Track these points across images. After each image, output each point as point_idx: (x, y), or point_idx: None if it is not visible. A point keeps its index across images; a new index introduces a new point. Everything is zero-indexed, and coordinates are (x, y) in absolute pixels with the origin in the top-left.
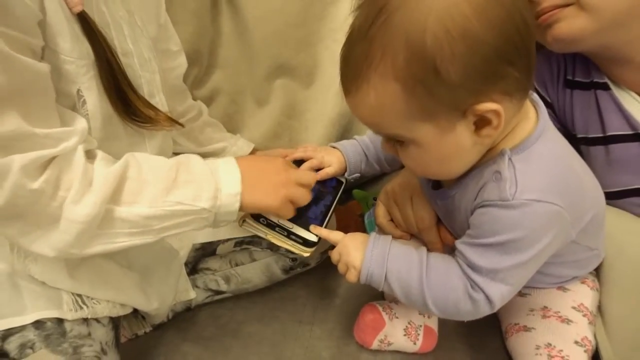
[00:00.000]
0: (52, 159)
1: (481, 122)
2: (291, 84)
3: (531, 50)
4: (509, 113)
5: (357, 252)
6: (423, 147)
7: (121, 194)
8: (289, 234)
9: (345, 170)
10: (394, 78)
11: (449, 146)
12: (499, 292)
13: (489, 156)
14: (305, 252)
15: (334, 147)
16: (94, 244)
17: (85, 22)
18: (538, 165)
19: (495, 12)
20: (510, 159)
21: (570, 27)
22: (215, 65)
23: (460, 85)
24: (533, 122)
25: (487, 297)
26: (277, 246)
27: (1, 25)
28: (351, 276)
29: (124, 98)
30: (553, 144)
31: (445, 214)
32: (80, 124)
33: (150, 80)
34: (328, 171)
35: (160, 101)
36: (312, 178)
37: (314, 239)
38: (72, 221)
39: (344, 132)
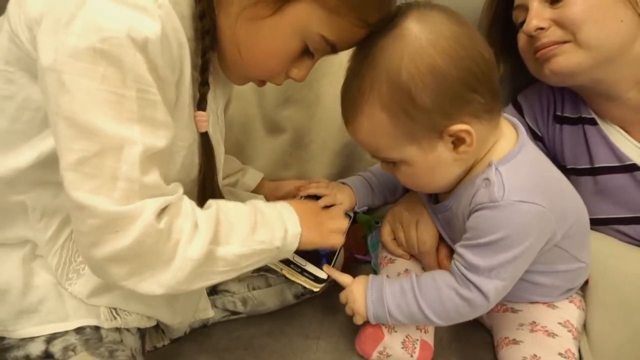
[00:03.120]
0: (167, 205)
1: (457, 141)
2: (297, 115)
3: (492, 78)
4: (481, 132)
5: (361, 299)
6: (412, 165)
7: (219, 235)
8: (302, 271)
9: (355, 205)
10: (381, 108)
11: (433, 163)
12: (494, 287)
13: (478, 169)
14: (315, 288)
15: (344, 184)
16: (198, 280)
17: (206, 136)
18: (521, 172)
19: (455, 50)
20: (496, 168)
21: (567, 62)
22: (230, 98)
23: (433, 110)
24: (513, 139)
25: (483, 294)
26: (292, 281)
27: (164, 105)
28: (357, 320)
29: (211, 191)
30: (532, 155)
31: (446, 225)
32: None
33: (219, 160)
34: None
35: (221, 176)
36: (342, 218)
37: (324, 276)
38: (187, 259)
39: (347, 161)
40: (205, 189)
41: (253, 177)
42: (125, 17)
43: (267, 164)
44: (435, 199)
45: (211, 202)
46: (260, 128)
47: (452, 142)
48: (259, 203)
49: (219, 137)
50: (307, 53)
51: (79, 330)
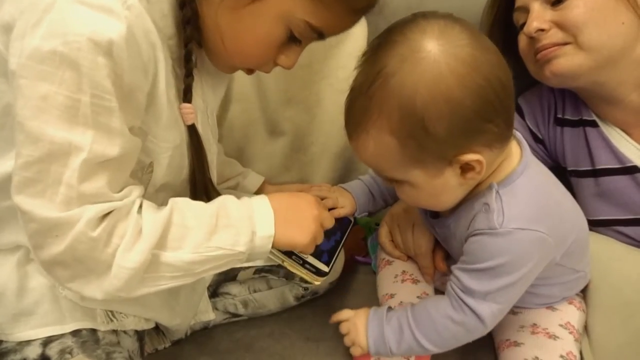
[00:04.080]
0: (112, 211)
1: (466, 168)
2: (298, 117)
3: (509, 108)
4: (491, 160)
5: (363, 334)
6: (416, 187)
7: (167, 240)
8: (304, 263)
9: (356, 211)
10: (390, 132)
11: (438, 187)
12: (490, 311)
13: (479, 190)
14: (316, 281)
15: (345, 190)
16: (140, 287)
17: (193, 128)
18: (522, 197)
19: (474, 80)
20: (497, 192)
21: (568, 63)
22: (231, 100)
23: (445, 140)
24: (517, 159)
25: (478, 317)
26: (292, 273)
27: (126, 112)
28: (355, 352)
29: (205, 189)
30: (535, 177)
31: (443, 240)
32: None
33: (212, 160)
34: (341, 212)
35: (215, 174)
36: (332, 222)
37: (325, 269)
38: (123, 267)
39: (348, 164)
40: (196, 187)
41: (254, 180)
42: (90, 19)
43: (267, 167)
44: (433, 213)
45: (170, 201)
46: (262, 130)
47: (460, 168)
48: (229, 202)
49: (210, 136)
50: (293, 39)
51: (76, 333)
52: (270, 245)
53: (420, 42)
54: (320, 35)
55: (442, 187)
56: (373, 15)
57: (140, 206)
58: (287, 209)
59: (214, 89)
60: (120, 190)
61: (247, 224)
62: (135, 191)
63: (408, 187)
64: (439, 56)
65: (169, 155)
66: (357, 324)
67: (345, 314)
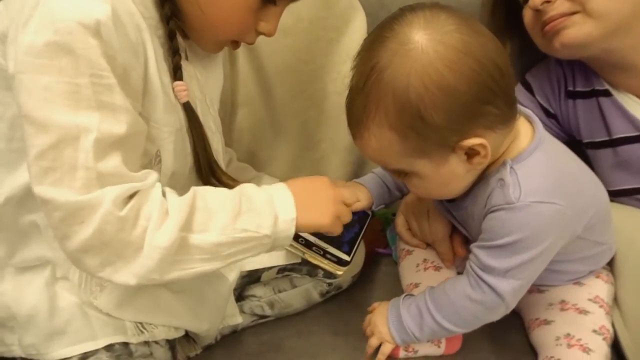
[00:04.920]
0: (135, 193)
1: (471, 153)
2: (305, 114)
3: (508, 88)
4: (496, 142)
5: (385, 328)
6: (423, 177)
7: (193, 223)
8: (325, 253)
9: (372, 204)
10: (389, 127)
11: (446, 175)
12: (510, 287)
13: (493, 168)
14: (339, 270)
15: (360, 184)
16: (172, 270)
17: (189, 106)
18: (537, 171)
19: (466, 64)
20: (512, 167)
21: (578, 33)
22: (237, 104)
23: (444, 127)
24: (529, 136)
25: (497, 294)
26: (315, 269)
27: (125, 92)
28: (386, 349)
29: (212, 171)
30: (549, 152)
31: (461, 223)
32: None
33: (217, 149)
34: (358, 205)
35: (222, 164)
36: (353, 196)
37: (347, 258)
38: (155, 246)
39: (359, 157)
40: (202, 171)
41: (268, 183)
42: (75, 5)
43: (279, 168)
44: None
45: (192, 189)
46: (270, 131)
47: (466, 154)
48: (248, 188)
49: (212, 123)
50: (269, 1)
51: (109, 348)
52: (294, 229)
53: (408, 34)
54: None
55: (450, 175)
56: (373, 6)
57: (163, 191)
58: (304, 192)
59: (209, 77)
60: (137, 172)
61: (269, 208)
62: (153, 175)
63: (416, 179)
64: (426, 45)
65: (173, 140)
66: (377, 323)
67: (366, 320)
